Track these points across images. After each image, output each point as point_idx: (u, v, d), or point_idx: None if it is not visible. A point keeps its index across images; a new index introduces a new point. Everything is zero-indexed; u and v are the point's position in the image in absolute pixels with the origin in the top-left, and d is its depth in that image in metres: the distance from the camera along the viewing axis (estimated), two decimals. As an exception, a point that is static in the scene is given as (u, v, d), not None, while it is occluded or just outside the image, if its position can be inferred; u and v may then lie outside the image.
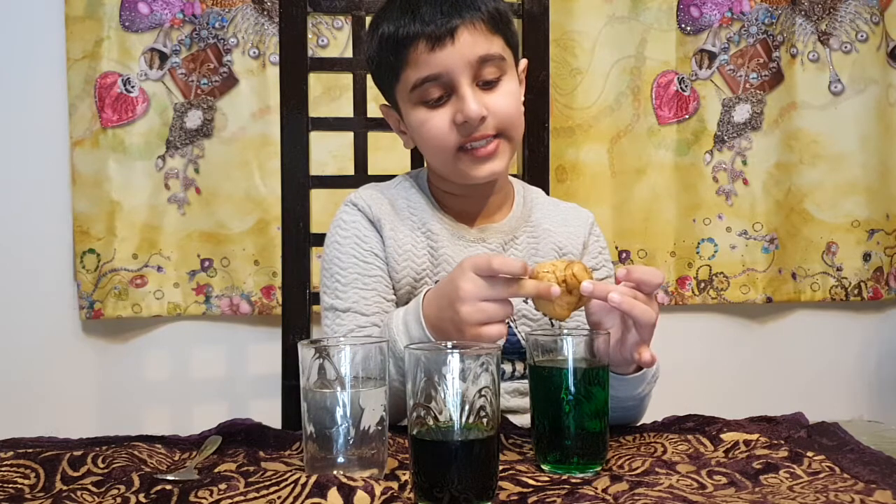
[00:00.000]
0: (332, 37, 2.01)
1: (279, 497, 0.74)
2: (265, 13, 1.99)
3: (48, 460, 0.84)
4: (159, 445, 0.92)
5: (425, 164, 1.24)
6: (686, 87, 2.13)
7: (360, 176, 1.44)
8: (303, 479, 0.75)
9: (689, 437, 0.95)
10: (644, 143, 2.11)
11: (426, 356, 0.75)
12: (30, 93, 1.95)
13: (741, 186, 2.15)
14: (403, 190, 1.20)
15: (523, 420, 1.04)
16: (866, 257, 2.18)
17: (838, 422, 0.99)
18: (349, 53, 1.93)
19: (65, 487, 0.79)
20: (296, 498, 0.73)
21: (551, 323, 1.14)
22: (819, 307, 2.22)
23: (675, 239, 2.14)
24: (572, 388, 0.84)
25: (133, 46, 1.96)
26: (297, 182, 1.37)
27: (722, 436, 0.94)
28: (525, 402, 1.12)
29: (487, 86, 1.09)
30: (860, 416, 2.13)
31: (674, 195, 2.13)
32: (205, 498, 0.74)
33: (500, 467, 0.81)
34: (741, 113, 2.15)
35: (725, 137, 2.15)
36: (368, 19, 1.23)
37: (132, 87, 1.96)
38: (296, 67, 1.38)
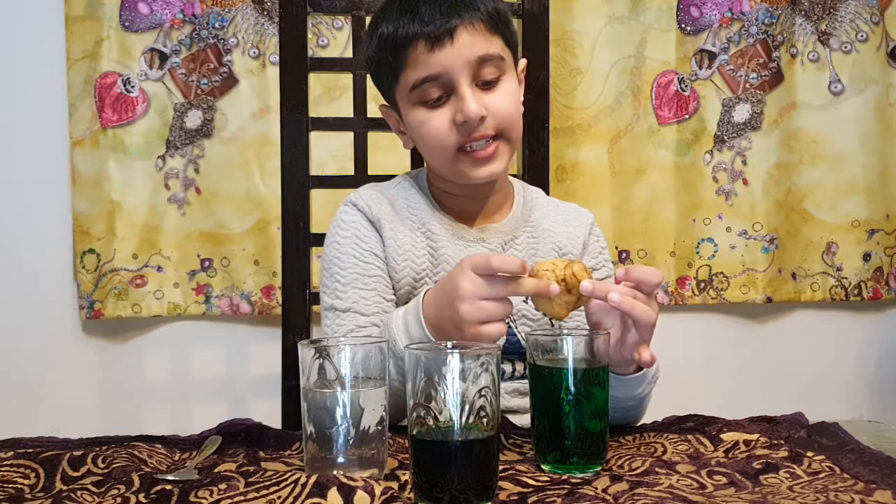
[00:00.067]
0: (332, 37, 2.01)
1: (279, 497, 0.74)
2: (265, 13, 1.99)
3: (48, 460, 0.84)
4: (159, 445, 0.92)
5: (425, 165, 1.24)
6: (686, 87, 2.13)
7: (360, 176, 1.44)
8: (303, 479, 0.75)
9: (689, 437, 0.95)
10: (644, 143, 2.11)
11: (426, 356, 0.75)
12: (30, 93, 1.95)
13: (741, 186, 2.16)
14: (403, 190, 1.20)
15: (523, 420, 1.04)
16: (866, 257, 2.18)
17: (838, 422, 0.99)
18: (349, 53, 1.93)
19: (65, 487, 0.79)
20: (296, 498, 0.73)
21: (551, 323, 1.14)
22: (819, 307, 2.22)
23: (675, 239, 2.14)
24: (572, 388, 0.84)
25: (133, 46, 1.96)
26: (297, 182, 1.37)
27: (722, 436, 0.94)
28: (525, 402, 1.12)
29: (487, 86, 1.09)
30: (860, 416, 2.13)
31: (674, 195, 2.13)
32: (205, 498, 0.74)
33: (500, 467, 0.81)
34: (741, 113, 2.15)
35: (725, 137, 2.15)
36: (368, 19, 1.23)
37: (132, 87, 1.96)
38: (296, 67, 1.38)
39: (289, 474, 0.77)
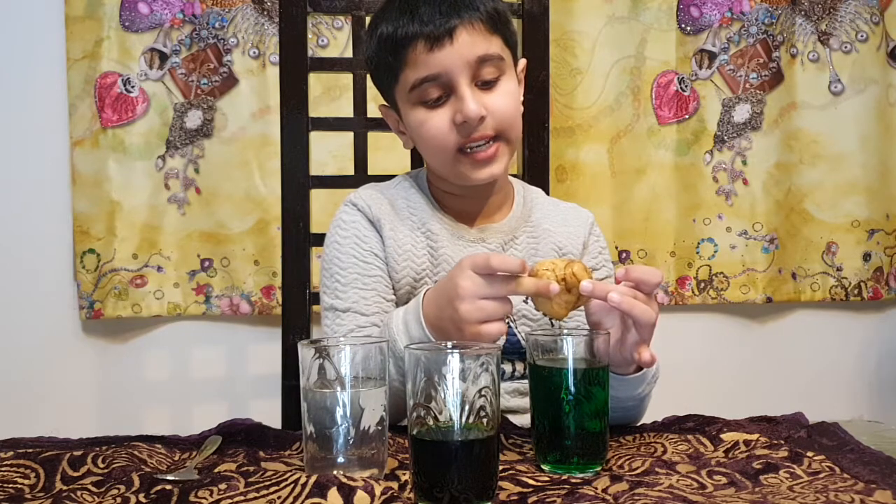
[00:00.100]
0: (332, 37, 2.01)
1: (279, 497, 0.74)
2: (265, 13, 1.99)
3: (48, 460, 0.84)
4: (159, 445, 0.92)
5: (425, 165, 1.24)
6: (686, 87, 2.13)
7: (360, 176, 1.44)
8: (303, 479, 0.75)
9: (689, 437, 0.95)
10: (644, 143, 2.11)
11: (426, 356, 0.75)
12: (30, 93, 1.95)
13: (741, 186, 2.16)
14: (403, 190, 1.20)
15: (523, 420, 1.04)
16: (866, 257, 2.18)
17: (838, 422, 0.99)
18: (349, 53, 1.93)
19: (65, 487, 0.79)
20: (296, 498, 0.73)
21: (551, 323, 1.14)
22: (819, 307, 2.22)
23: (675, 239, 2.14)
24: (572, 388, 0.84)
25: (133, 46, 1.96)
26: (297, 182, 1.37)
27: (722, 436, 0.94)
28: (525, 402, 1.12)
29: (486, 86, 1.09)
30: (860, 416, 2.13)
31: (674, 195, 2.13)
32: (205, 498, 0.74)
33: (500, 467, 0.81)
34: (741, 113, 2.15)
35: (725, 137, 2.15)
36: (368, 19, 1.23)
37: (132, 87, 1.96)
38: (296, 67, 1.38)
39: (289, 474, 0.77)
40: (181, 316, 2.01)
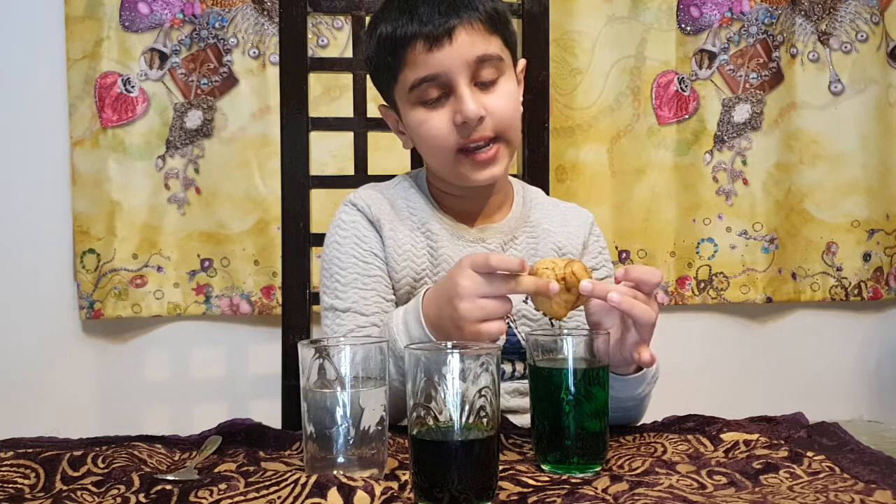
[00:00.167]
0: (332, 37, 2.01)
1: (279, 497, 0.74)
2: (265, 13, 1.99)
3: (48, 460, 0.84)
4: (159, 445, 0.92)
5: (424, 165, 1.24)
6: (686, 87, 2.13)
7: (360, 176, 1.44)
8: (303, 479, 0.75)
9: (689, 437, 0.95)
10: (644, 143, 2.11)
11: (426, 356, 0.75)
12: (30, 93, 1.95)
13: (741, 186, 2.16)
14: (403, 190, 1.20)
15: (523, 420, 1.04)
16: (866, 257, 2.18)
17: (838, 422, 0.99)
18: (349, 53, 1.93)
19: (65, 487, 0.79)
20: (296, 498, 0.73)
21: (551, 323, 1.14)
22: (819, 307, 2.22)
23: (675, 239, 2.14)
24: (572, 388, 0.84)
25: (133, 46, 1.96)
26: (297, 182, 1.37)
27: (722, 436, 0.94)
28: (525, 402, 1.12)
29: (485, 86, 1.09)
30: (860, 416, 2.13)
31: (674, 195, 2.13)
32: (205, 498, 0.74)
33: (500, 467, 0.81)
34: (741, 113, 2.15)
35: (725, 137, 2.15)
36: (368, 19, 1.23)
37: (132, 87, 1.96)
38: (296, 67, 1.38)
39: (289, 474, 0.77)
40: (181, 316, 2.01)
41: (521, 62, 1.18)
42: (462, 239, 1.16)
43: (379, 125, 1.35)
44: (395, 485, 0.77)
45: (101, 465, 0.83)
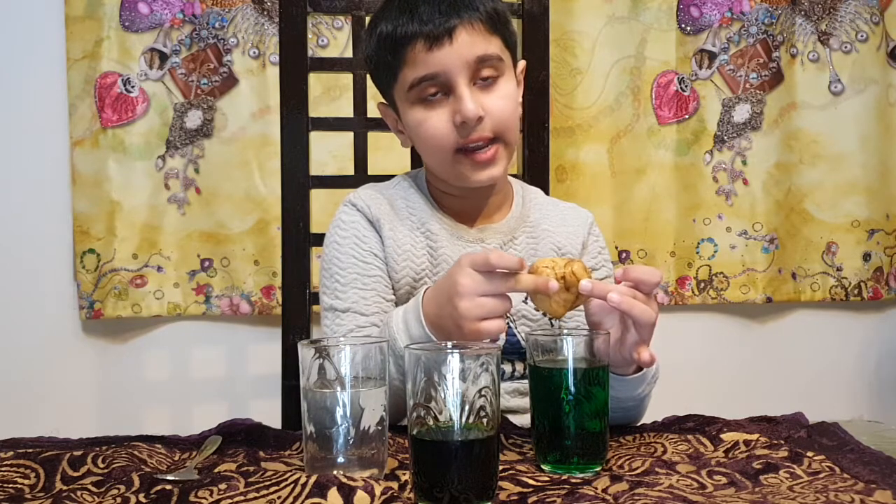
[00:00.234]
0: (332, 37, 2.01)
1: (279, 497, 0.74)
2: (265, 13, 1.99)
3: (48, 460, 0.84)
4: (159, 445, 0.92)
5: (424, 165, 1.23)
6: (686, 87, 2.13)
7: (360, 176, 1.44)
8: (303, 479, 0.75)
9: (689, 437, 0.95)
10: (644, 143, 2.11)
11: (426, 356, 0.75)
12: (30, 93, 1.95)
13: (741, 186, 2.16)
14: (402, 190, 1.20)
15: (523, 420, 1.04)
16: (866, 257, 2.18)
17: (838, 422, 0.99)
18: (349, 53, 1.93)
19: (65, 487, 0.79)
20: (296, 498, 0.73)
21: (551, 323, 1.14)
22: (819, 307, 2.22)
23: (675, 239, 2.14)
24: (572, 388, 0.84)
25: (133, 46, 1.96)
26: (297, 182, 1.38)
27: (722, 436, 0.94)
28: (525, 402, 1.12)
29: (485, 87, 1.09)
30: (860, 416, 2.13)
31: (674, 195, 2.13)
32: (205, 498, 0.74)
33: (500, 467, 0.81)
34: (741, 113, 2.15)
35: (725, 137, 2.15)
36: (368, 19, 1.23)
37: (132, 87, 1.96)
38: (296, 67, 1.38)
39: (289, 474, 0.77)
40: (181, 316, 2.01)
41: (521, 63, 1.18)
42: (461, 239, 1.16)
43: (379, 125, 1.35)
44: (395, 485, 0.77)
45: (101, 465, 0.83)
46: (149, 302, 1.97)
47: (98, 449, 0.88)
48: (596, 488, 0.77)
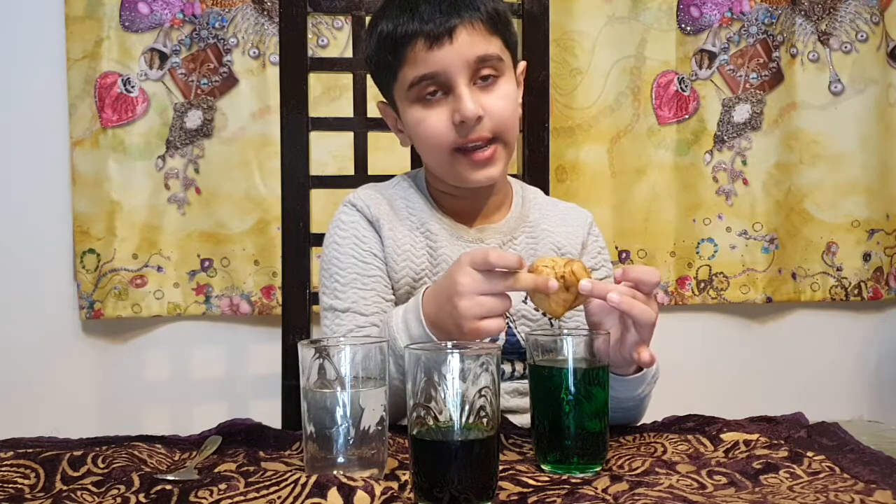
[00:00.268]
0: (332, 37, 2.01)
1: (279, 497, 0.74)
2: (265, 13, 1.99)
3: (48, 460, 0.84)
4: (159, 445, 0.92)
5: (423, 165, 1.23)
6: (686, 87, 2.13)
7: (360, 176, 1.44)
8: (303, 479, 0.75)
9: (689, 437, 0.95)
10: (644, 143, 2.11)
11: (426, 356, 0.75)
12: (30, 93, 1.95)
13: (741, 186, 2.16)
14: (402, 190, 1.20)
15: (523, 420, 1.04)
16: (866, 257, 2.19)
17: (838, 422, 0.99)
18: (349, 53, 1.93)
19: (65, 487, 0.79)
20: (296, 498, 0.73)
21: (550, 323, 1.14)
22: (819, 307, 2.22)
23: (675, 239, 2.14)
24: (572, 388, 0.84)
25: (133, 46, 1.96)
26: (297, 182, 1.38)
27: (722, 436, 0.94)
28: (525, 402, 1.12)
29: (485, 87, 1.09)
30: (860, 416, 2.13)
31: (674, 195, 2.13)
32: (205, 498, 0.74)
33: (500, 467, 0.81)
34: (741, 113, 2.15)
35: (725, 137, 2.15)
36: (368, 19, 1.23)
37: (132, 87, 1.96)
38: (296, 67, 1.38)
39: (289, 474, 0.77)
40: (181, 316, 2.01)
41: (522, 64, 1.18)
42: (461, 239, 1.16)
43: (379, 125, 1.35)
44: (395, 485, 0.77)
45: (101, 465, 0.83)
46: (149, 302, 1.97)
47: (98, 449, 0.88)
48: (596, 488, 0.77)
